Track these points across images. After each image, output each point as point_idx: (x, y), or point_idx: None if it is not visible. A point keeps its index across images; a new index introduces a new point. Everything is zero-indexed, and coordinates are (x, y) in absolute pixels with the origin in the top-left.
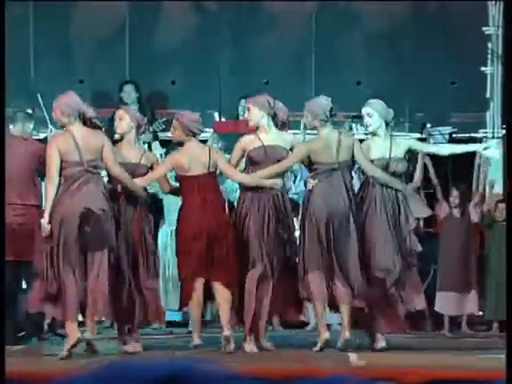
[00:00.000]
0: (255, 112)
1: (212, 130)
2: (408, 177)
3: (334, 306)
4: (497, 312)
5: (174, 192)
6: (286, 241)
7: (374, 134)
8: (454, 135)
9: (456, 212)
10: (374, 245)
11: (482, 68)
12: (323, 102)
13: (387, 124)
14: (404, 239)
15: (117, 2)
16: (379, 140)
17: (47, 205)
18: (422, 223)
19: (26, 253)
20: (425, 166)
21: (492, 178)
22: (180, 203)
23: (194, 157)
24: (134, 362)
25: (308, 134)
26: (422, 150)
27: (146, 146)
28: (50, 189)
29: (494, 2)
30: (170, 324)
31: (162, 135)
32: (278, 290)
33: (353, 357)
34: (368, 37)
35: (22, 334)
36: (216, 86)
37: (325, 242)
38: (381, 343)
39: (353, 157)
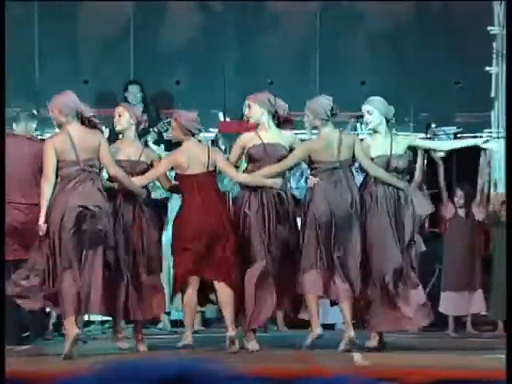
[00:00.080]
0: (256, 109)
1: (217, 130)
2: (409, 173)
3: (335, 303)
4: (501, 312)
5: (175, 190)
6: (287, 239)
7: (374, 131)
8: (458, 135)
9: (461, 212)
10: (374, 244)
11: (487, 68)
12: (324, 102)
13: (388, 121)
14: (406, 238)
15: (121, 2)
16: (380, 137)
17: (43, 204)
18: (427, 223)
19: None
20: (430, 165)
21: (496, 178)
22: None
23: (193, 156)
24: (140, 361)
25: (314, 133)
26: (422, 146)
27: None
28: (46, 188)
29: (499, 2)
30: (176, 324)
31: (167, 135)
32: (279, 289)
33: (357, 357)
34: (372, 37)
35: (27, 334)
36: (221, 86)
37: (325, 240)
38: (372, 342)
39: (354, 156)
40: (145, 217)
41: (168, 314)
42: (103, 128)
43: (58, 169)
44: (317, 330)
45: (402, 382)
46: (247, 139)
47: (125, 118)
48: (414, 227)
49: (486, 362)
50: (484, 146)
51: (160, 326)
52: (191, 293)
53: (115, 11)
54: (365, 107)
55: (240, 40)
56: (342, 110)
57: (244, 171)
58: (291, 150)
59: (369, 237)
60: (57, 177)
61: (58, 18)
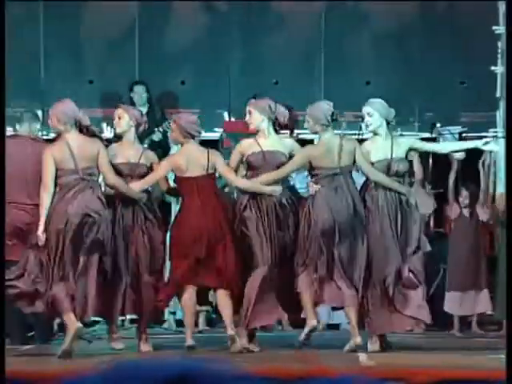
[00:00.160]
0: (256, 116)
1: (222, 130)
2: (410, 176)
3: (341, 308)
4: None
5: (174, 192)
6: (287, 244)
7: (374, 133)
8: (464, 135)
9: (466, 212)
10: (375, 247)
11: (492, 67)
12: (324, 107)
13: (388, 123)
14: (412, 243)
15: (126, 2)
16: (380, 139)
17: (42, 213)
18: (432, 223)
19: None
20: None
21: (499, 178)
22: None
23: (192, 158)
24: (144, 361)
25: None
26: (422, 148)
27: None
28: (45, 197)
29: (504, 1)
30: (181, 323)
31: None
32: (280, 291)
33: (362, 357)
34: (377, 37)
35: (32, 333)
36: (226, 86)
37: (329, 246)
38: (374, 347)
39: (354, 161)
40: (147, 218)
41: (173, 313)
42: (108, 128)
43: (56, 177)
44: (312, 322)
45: (408, 382)
46: (246, 146)
47: (124, 121)
48: (421, 230)
49: (492, 361)
50: (484, 147)
51: (165, 325)
52: (190, 292)
53: (120, 11)
54: (365, 109)
55: (245, 40)
56: (347, 110)
57: (243, 177)
58: (291, 156)
59: (369, 240)
60: (56, 185)
61: (63, 18)
